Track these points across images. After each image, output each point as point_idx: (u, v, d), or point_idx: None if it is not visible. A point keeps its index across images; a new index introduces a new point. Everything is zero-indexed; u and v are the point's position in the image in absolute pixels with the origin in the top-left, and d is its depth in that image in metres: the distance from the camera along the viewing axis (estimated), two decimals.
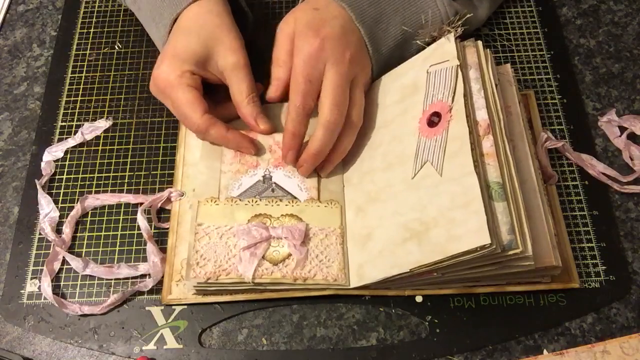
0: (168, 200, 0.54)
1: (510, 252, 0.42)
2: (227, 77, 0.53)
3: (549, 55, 0.62)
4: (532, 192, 0.48)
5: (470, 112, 0.47)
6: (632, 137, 0.57)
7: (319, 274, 0.48)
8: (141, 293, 0.51)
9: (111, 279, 0.51)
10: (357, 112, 0.52)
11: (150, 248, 0.51)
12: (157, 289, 0.51)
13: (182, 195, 0.54)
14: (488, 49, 0.51)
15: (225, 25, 0.53)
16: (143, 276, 0.51)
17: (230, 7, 0.55)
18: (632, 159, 0.56)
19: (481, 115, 0.47)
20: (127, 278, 0.51)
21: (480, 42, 0.50)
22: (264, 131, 0.54)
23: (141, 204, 0.54)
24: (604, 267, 0.51)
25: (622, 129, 0.58)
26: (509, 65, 0.55)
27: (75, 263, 0.51)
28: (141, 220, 0.53)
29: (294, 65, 0.51)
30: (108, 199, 0.55)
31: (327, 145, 0.51)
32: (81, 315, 0.50)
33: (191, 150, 0.56)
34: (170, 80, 0.51)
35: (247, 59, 0.53)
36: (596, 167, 0.55)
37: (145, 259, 0.52)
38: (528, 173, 0.49)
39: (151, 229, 0.53)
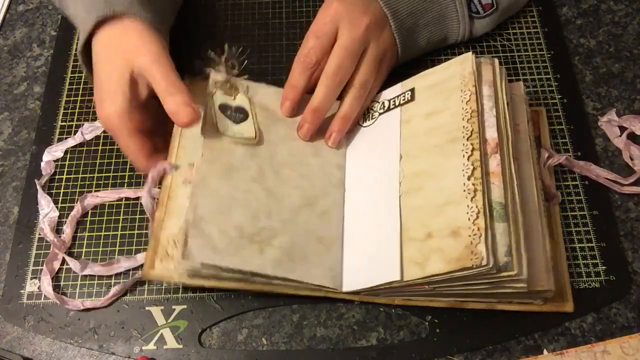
0: (163, 174, 0.52)
1: (505, 274, 0.42)
2: (148, 75, 0.49)
3: (549, 55, 0.62)
4: (533, 214, 0.48)
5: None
6: (632, 137, 0.57)
7: None
8: (141, 293, 0.51)
9: (112, 275, 0.51)
10: (368, 81, 0.53)
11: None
12: (158, 288, 0.51)
13: (176, 168, 0.51)
14: (503, 67, 0.51)
15: (138, 42, 0.49)
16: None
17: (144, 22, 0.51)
18: (632, 159, 0.56)
19: (490, 133, 0.47)
20: (128, 271, 0.51)
21: (496, 60, 0.51)
22: (185, 124, 0.48)
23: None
24: (604, 267, 0.51)
25: (622, 129, 0.58)
26: (521, 83, 0.54)
27: (73, 264, 0.51)
28: (146, 199, 0.50)
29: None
30: (107, 195, 0.55)
31: (326, 102, 0.52)
32: (82, 312, 0.50)
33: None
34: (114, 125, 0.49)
35: (166, 54, 0.50)
36: (599, 173, 0.55)
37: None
38: (531, 194, 0.49)
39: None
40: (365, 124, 0.55)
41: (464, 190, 0.44)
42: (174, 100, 0.48)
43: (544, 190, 0.52)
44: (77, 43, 0.64)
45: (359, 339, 0.49)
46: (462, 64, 0.50)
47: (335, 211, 0.51)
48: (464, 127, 0.47)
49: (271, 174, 0.51)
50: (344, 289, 0.48)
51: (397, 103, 0.53)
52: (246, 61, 0.55)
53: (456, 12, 0.58)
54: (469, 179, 0.44)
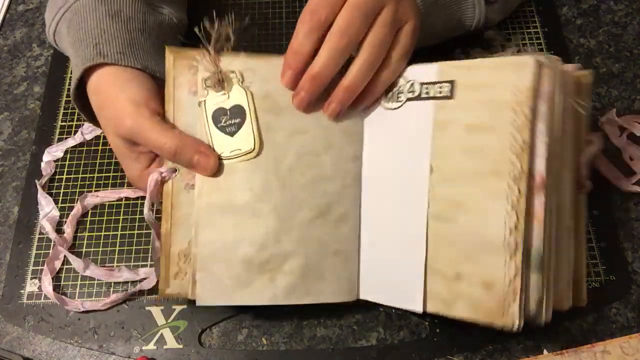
0: (161, 182, 0.47)
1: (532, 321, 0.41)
2: (140, 142, 0.46)
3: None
4: (566, 231, 0.43)
5: None
6: (632, 137, 0.57)
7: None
8: (141, 293, 0.51)
9: (110, 281, 0.51)
10: (381, 47, 0.44)
11: (157, 243, 0.48)
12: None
13: (176, 172, 0.46)
14: (562, 66, 0.41)
15: (115, 95, 0.46)
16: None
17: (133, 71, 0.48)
18: (632, 159, 0.56)
19: (538, 166, 0.39)
20: (127, 282, 0.51)
21: (558, 61, 0.41)
22: (210, 174, 0.45)
23: (142, 197, 0.54)
24: (604, 267, 0.51)
25: (622, 129, 0.58)
26: (573, 66, 0.44)
27: (76, 263, 0.51)
28: (147, 213, 0.46)
29: None
30: (107, 195, 0.55)
31: (327, 67, 0.44)
32: (82, 313, 0.50)
33: (183, 109, 0.46)
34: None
35: (150, 109, 0.45)
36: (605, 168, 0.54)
37: (145, 259, 0.52)
38: (566, 210, 0.43)
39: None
40: (388, 105, 0.47)
41: (504, 243, 0.40)
42: (183, 158, 0.45)
43: (577, 181, 0.45)
44: None
45: (359, 339, 0.49)
46: (518, 71, 0.40)
47: (352, 214, 0.48)
48: (511, 161, 0.40)
49: (278, 186, 0.46)
50: (361, 296, 0.48)
51: (430, 94, 0.45)
52: (242, 28, 0.46)
53: None
54: (510, 232, 0.39)
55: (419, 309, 0.44)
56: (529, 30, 0.64)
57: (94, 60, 0.47)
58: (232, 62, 0.46)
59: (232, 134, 0.46)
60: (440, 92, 0.44)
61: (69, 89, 0.62)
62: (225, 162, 0.46)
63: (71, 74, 0.63)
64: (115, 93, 0.46)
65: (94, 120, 0.50)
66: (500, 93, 0.41)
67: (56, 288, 0.51)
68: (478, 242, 0.41)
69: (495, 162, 0.41)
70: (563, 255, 0.43)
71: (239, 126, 0.46)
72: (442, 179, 0.43)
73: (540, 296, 0.40)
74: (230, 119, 0.46)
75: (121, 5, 0.50)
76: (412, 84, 0.46)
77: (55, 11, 0.52)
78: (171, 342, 0.49)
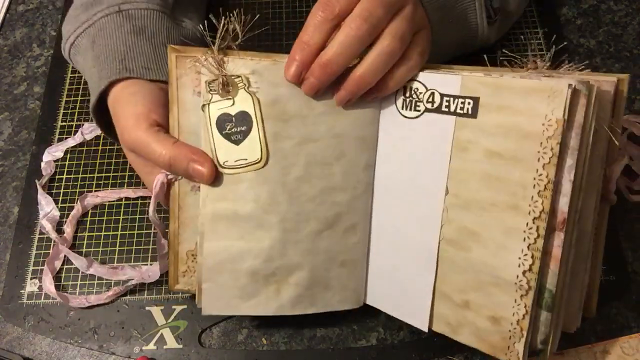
0: (167, 184, 0.46)
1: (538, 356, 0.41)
2: (140, 154, 0.45)
3: (548, 55, 0.62)
4: (584, 256, 0.41)
5: None
6: (632, 137, 0.57)
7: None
8: (141, 293, 0.51)
9: (113, 280, 0.51)
10: (402, 39, 0.41)
11: (163, 240, 0.48)
12: (158, 288, 0.51)
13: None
14: (596, 93, 0.37)
15: (123, 106, 0.46)
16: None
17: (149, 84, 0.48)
18: (632, 159, 0.56)
19: (561, 205, 0.37)
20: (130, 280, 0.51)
21: (595, 87, 0.37)
22: (208, 182, 0.43)
23: (142, 197, 0.54)
24: (604, 267, 0.51)
25: (623, 129, 0.58)
26: (613, 78, 0.40)
27: (79, 262, 0.51)
28: (152, 216, 0.46)
29: None
30: (107, 195, 0.55)
31: (341, 55, 0.40)
32: (83, 312, 0.50)
33: (188, 111, 0.44)
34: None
35: (150, 121, 0.45)
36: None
37: (145, 259, 0.52)
38: (586, 235, 0.41)
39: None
40: (405, 113, 0.44)
41: (516, 282, 0.39)
42: (179, 168, 0.43)
43: (602, 194, 0.42)
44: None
45: (359, 339, 0.49)
46: (550, 100, 0.37)
47: (361, 224, 0.46)
48: (532, 199, 0.37)
49: (285, 198, 0.44)
50: (367, 302, 0.48)
51: (451, 108, 0.41)
52: (252, 24, 0.42)
53: (475, 15, 0.54)
54: (524, 273, 0.38)
55: (424, 328, 0.44)
56: (529, 30, 0.64)
57: (119, 75, 0.47)
58: (237, 66, 0.43)
59: (237, 143, 0.43)
60: (462, 109, 0.41)
61: (69, 89, 0.62)
62: (230, 171, 0.43)
63: (70, 78, 0.63)
64: (120, 108, 0.46)
65: (111, 134, 0.50)
66: (528, 122, 0.38)
67: (56, 288, 0.51)
68: (490, 275, 0.40)
69: (515, 195, 0.38)
70: (578, 281, 0.42)
71: (245, 135, 0.43)
72: (457, 204, 0.41)
73: (547, 334, 0.39)
74: (235, 127, 0.43)
75: (145, 21, 0.51)
76: (432, 94, 0.42)
77: (77, 25, 0.52)
78: (171, 342, 0.49)
